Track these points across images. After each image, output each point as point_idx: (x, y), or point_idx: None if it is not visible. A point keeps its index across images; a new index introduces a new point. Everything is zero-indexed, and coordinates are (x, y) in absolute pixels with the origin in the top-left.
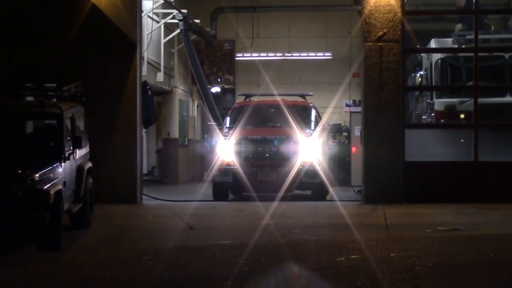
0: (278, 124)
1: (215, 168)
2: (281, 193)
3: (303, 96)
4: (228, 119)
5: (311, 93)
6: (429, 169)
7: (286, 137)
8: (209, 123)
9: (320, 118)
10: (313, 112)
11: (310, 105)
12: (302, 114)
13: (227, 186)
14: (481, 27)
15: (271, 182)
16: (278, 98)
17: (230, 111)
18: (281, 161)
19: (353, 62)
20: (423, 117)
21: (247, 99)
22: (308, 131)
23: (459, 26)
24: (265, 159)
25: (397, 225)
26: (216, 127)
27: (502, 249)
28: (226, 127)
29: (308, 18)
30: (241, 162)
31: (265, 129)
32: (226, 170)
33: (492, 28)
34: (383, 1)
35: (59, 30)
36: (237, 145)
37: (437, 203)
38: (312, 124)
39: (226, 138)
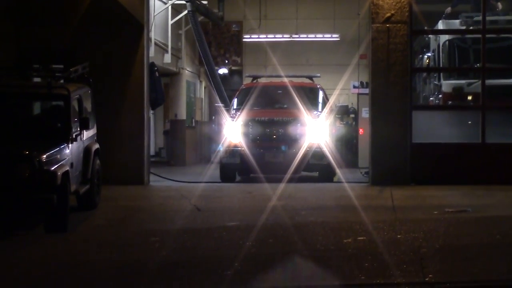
0: (285, 106)
1: (223, 149)
2: (288, 175)
3: (310, 77)
4: (235, 101)
5: (318, 75)
6: (436, 150)
7: (294, 119)
8: (216, 104)
9: (328, 100)
10: (321, 94)
11: (318, 86)
12: (310, 96)
13: (234, 167)
14: (488, 8)
15: (278, 164)
16: (286, 80)
17: (238, 92)
18: (288, 142)
19: (361, 44)
20: (431, 98)
21: (255, 81)
22: (315, 112)
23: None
24: (272, 141)
25: (404, 206)
26: (223, 109)
27: (510, 231)
28: (234, 109)
29: None
30: (249, 144)
31: (273, 111)
32: (233, 152)
33: (500, 6)
34: None
35: (66, 11)
36: (245, 126)
37: (444, 185)
38: (320, 105)
39: (233, 120)
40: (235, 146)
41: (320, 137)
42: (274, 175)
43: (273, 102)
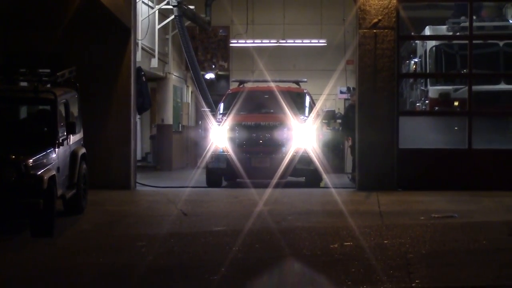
0: (272, 110)
1: (209, 154)
2: (274, 180)
3: (297, 82)
4: (221, 105)
5: (305, 80)
6: (423, 156)
7: (280, 123)
8: (202, 109)
9: (314, 105)
10: (307, 99)
11: (304, 91)
12: (296, 101)
13: (220, 172)
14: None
15: (265, 169)
16: (272, 85)
17: (224, 97)
18: (275, 147)
19: (347, 49)
20: (418, 104)
21: (241, 85)
22: (302, 117)
23: None
24: (258, 145)
25: (390, 212)
26: (209, 113)
27: (496, 236)
28: (220, 113)
29: (302, 5)
30: (235, 148)
31: (259, 115)
32: (219, 157)
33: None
34: None
35: (53, 15)
36: (231, 131)
37: (431, 191)
38: (306, 110)
39: (219, 124)
40: (221, 151)
41: (306, 142)
42: (260, 180)
43: (260, 106)
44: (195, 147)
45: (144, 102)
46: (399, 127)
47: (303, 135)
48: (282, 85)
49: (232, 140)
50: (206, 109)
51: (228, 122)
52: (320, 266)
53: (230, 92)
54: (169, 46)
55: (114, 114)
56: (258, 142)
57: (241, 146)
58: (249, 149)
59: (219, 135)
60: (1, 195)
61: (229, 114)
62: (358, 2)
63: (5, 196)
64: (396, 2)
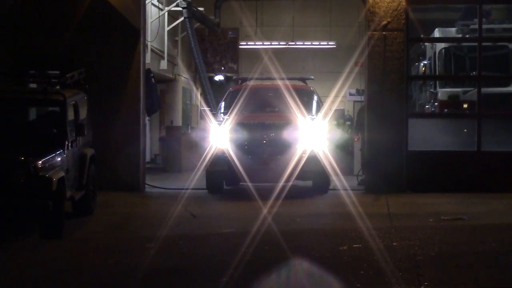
0: (276, 109)
1: (208, 156)
2: (280, 183)
3: (303, 80)
4: (222, 104)
5: (312, 77)
6: (432, 158)
7: (285, 123)
8: (201, 108)
9: (322, 103)
10: (314, 97)
11: (311, 89)
12: (302, 99)
13: (221, 175)
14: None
15: (269, 171)
16: (277, 82)
17: (225, 96)
18: (279, 148)
19: (357, 51)
20: (427, 106)
21: (243, 83)
22: (308, 116)
23: None
24: (262, 146)
25: (399, 214)
26: (209, 113)
27: (505, 239)
28: (221, 113)
29: (311, 7)
30: (236, 150)
31: (263, 114)
32: (219, 158)
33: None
34: None
35: (63, 17)
36: (232, 131)
37: (440, 193)
38: (313, 109)
39: (220, 124)
40: (222, 152)
41: (313, 143)
42: (265, 184)
43: (263, 105)
44: (198, 148)
45: (153, 104)
46: (408, 129)
47: (310, 135)
48: (287, 82)
49: (233, 140)
50: (206, 108)
51: (229, 121)
52: (329, 268)
53: (232, 90)
54: (179, 48)
55: (123, 115)
56: (262, 143)
57: (243, 147)
58: (251, 150)
59: (220, 135)
60: (11, 196)
61: (230, 113)
62: (367, 4)
63: (14, 197)
64: (405, 4)
